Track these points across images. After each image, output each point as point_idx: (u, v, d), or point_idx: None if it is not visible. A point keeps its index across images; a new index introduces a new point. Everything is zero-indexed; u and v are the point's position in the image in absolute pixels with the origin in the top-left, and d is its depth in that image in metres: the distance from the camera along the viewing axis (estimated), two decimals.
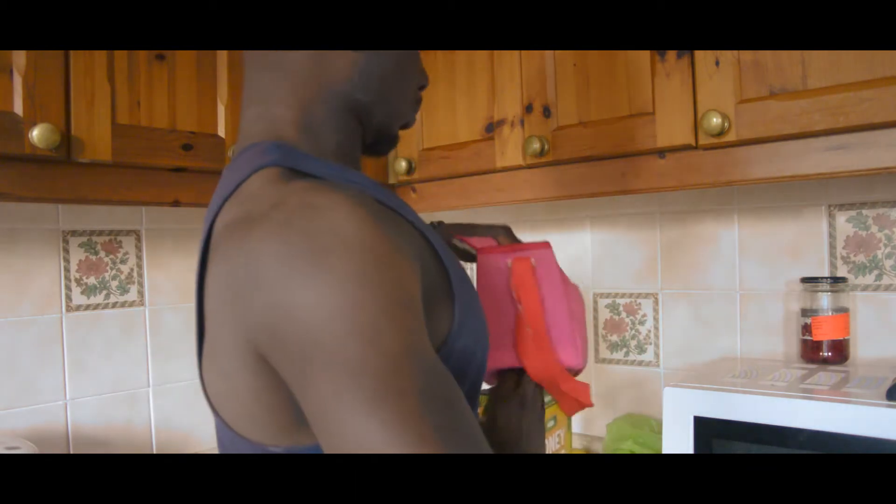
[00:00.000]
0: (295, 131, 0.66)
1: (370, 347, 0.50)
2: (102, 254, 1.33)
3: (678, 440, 0.99)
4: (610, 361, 1.50)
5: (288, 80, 0.67)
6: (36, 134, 0.91)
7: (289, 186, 0.57)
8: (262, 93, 0.68)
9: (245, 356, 0.56)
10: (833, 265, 1.23)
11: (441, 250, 0.65)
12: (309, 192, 0.55)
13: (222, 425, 0.63)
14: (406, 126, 0.77)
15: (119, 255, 1.36)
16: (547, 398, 1.13)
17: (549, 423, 1.15)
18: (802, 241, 1.26)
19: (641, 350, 1.45)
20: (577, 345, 0.94)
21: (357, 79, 0.67)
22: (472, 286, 0.69)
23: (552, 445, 1.18)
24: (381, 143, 0.75)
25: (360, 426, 0.49)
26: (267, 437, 0.59)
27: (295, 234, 0.52)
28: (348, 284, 0.51)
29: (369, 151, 0.75)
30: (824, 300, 1.17)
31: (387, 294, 0.52)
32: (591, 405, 1.13)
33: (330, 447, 0.51)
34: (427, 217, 1.84)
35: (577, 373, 0.97)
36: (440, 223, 0.92)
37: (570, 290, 0.97)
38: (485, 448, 0.54)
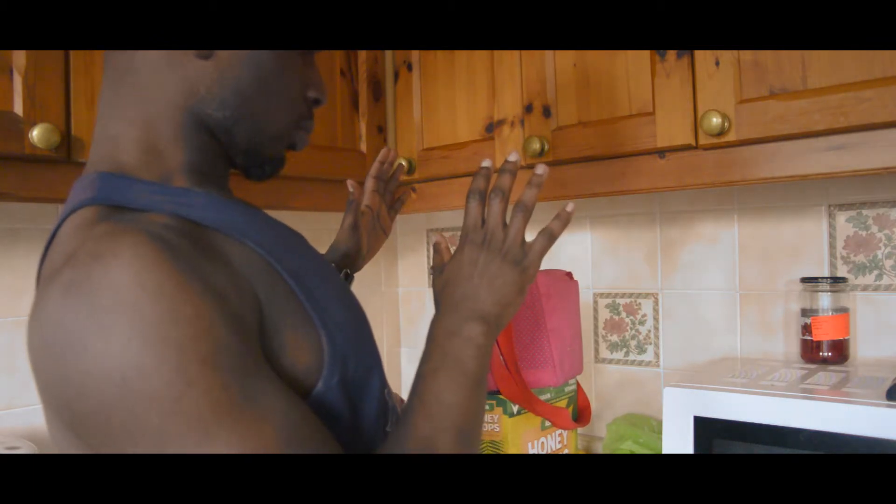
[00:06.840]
0: (137, 152, 0.60)
1: (170, 418, 0.45)
2: None
3: (678, 440, 0.99)
4: (610, 361, 1.50)
5: (132, 94, 0.61)
6: (36, 134, 0.91)
7: (91, 232, 0.52)
8: (109, 109, 0.62)
9: (63, 430, 0.52)
10: (833, 265, 1.23)
11: (289, 275, 0.58)
12: (101, 240, 0.50)
13: None
14: (293, 147, 0.68)
15: None
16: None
17: (548, 422, 1.15)
18: (802, 241, 1.26)
19: (641, 350, 1.45)
20: (555, 363, 0.90)
21: (206, 94, 0.61)
22: (354, 308, 0.64)
23: (552, 444, 1.18)
24: (255, 165, 0.66)
25: None
26: None
27: (75, 298, 0.47)
28: (133, 348, 0.45)
29: (248, 175, 0.68)
30: (824, 300, 1.17)
31: (181, 351, 0.46)
32: (570, 428, 1.11)
33: None
34: (427, 217, 1.83)
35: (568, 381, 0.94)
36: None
37: (555, 302, 0.94)
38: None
